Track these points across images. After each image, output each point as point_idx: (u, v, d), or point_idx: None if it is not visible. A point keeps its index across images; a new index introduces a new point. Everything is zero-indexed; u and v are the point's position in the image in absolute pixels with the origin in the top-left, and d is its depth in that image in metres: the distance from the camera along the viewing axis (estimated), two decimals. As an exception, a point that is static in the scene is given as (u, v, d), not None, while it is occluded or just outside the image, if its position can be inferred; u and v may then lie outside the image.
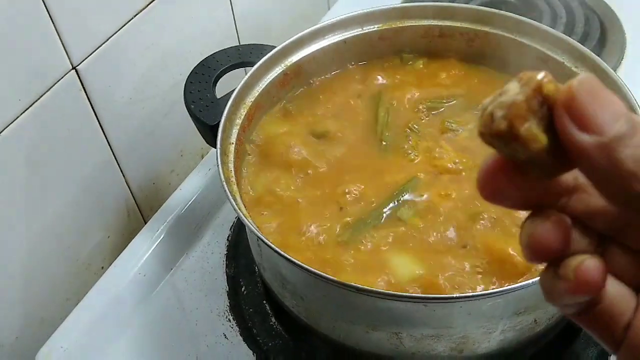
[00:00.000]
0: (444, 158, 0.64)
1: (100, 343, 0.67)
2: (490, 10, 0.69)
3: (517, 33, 0.69)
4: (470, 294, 0.50)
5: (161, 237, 0.73)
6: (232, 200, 0.54)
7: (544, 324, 0.56)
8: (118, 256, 0.72)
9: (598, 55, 0.63)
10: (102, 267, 0.78)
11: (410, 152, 0.65)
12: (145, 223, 0.76)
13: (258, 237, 0.52)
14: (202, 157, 0.88)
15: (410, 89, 0.71)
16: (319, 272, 0.50)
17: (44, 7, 0.60)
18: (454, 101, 0.70)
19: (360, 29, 0.71)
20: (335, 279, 0.49)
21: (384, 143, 0.66)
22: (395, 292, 0.50)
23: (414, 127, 0.67)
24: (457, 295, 0.52)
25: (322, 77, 0.73)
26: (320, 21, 0.73)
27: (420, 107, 0.70)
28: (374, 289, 0.50)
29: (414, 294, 0.52)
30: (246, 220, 0.54)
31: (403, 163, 0.64)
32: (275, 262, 0.57)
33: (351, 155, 0.66)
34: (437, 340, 0.54)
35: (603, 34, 0.92)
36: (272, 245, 0.51)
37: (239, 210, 0.54)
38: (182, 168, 0.86)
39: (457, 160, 0.64)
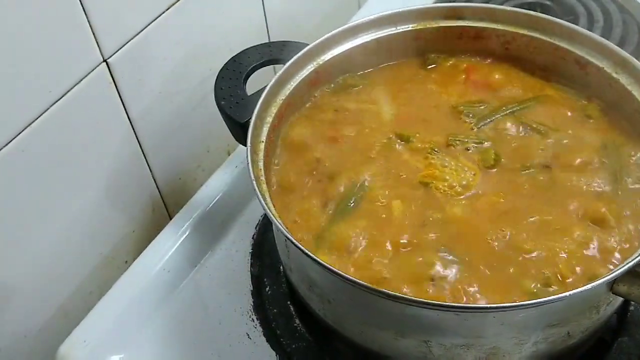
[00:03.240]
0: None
1: (123, 338, 0.66)
2: (529, 12, 0.68)
3: (556, 36, 0.67)
4: (504, 304, 0.49)
5: (186, 234, 0.72)
6: (261, 200, 0.53)
7: (578, 336, 0.55)
8: (142, 251, 0.72)
9: (638, 60, 0.61)
10: (126, 262, 0.77)
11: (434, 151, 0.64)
12: (170, 218, 0.75)
13: (287, 237, 0.51)
14: (229, 153, 0.87)
15: (442, 89, 0.70)
16: (350, 276, 0.49)
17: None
18: (483, 106, 0.68)
19: (395, 29, 0.69)
20: (366, 284, 0.48)
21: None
22: (427, 300, 0.49)
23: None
24: (490, 305, 0.51)
25: (352, 75, 0.71)
26: (350, 20, 0.71)
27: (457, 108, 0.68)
28: (406, 295, 0.48)
29: (445, 303, 0.50)
30: (276, 221, 0.53)
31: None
32: (304, 264, 0.56)
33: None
34: (467, 350, 0.53)
35: (642, 38, 0.90)
36: (302, 247, 0.50)
37: (268, 210, 0.53)
38: (207, 164, 0.86)
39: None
